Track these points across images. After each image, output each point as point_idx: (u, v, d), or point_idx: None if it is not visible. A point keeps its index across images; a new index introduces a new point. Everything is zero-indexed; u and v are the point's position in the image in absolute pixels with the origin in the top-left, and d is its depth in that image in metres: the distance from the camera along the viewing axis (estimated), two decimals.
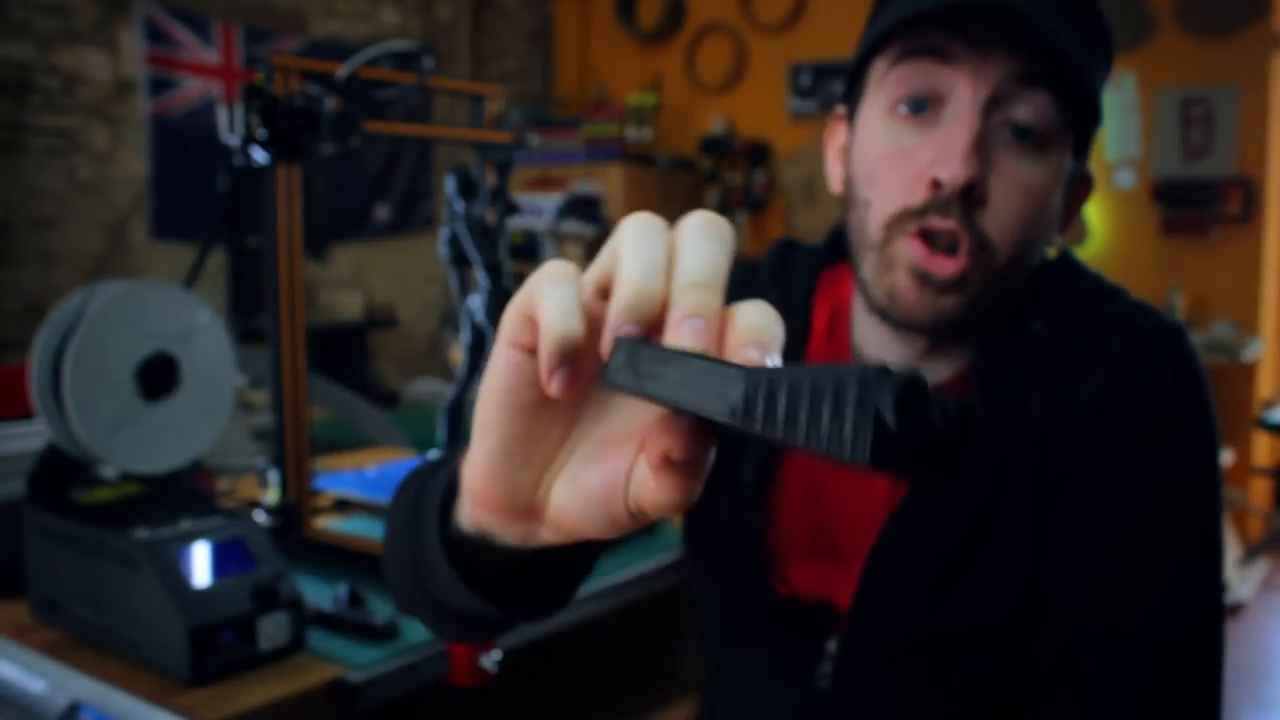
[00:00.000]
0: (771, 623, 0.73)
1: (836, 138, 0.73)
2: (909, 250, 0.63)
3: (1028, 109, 0.62)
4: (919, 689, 0.67)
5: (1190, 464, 0.63)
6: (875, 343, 0.72)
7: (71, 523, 0.97)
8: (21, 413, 1.17)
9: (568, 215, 4.08)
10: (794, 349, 0.75)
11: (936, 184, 0.62)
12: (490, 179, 1.42)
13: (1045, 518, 0.64)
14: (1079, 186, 0.70)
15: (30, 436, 1.26)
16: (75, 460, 1.03)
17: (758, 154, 4.56)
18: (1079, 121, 0.64)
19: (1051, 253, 0.73)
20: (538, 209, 4.38)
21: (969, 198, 0.62)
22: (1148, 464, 0.63)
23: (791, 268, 0.78)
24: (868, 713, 0.69)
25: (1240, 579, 3.51)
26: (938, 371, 0.70)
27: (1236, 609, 3.35)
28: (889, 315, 0.66)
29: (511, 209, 1.31)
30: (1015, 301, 0.69)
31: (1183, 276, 3.82)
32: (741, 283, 0.78)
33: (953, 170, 0.61)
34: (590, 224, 4.20)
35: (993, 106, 0.62)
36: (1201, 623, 0.61)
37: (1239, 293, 3.80)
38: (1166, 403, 0.63)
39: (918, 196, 0.63)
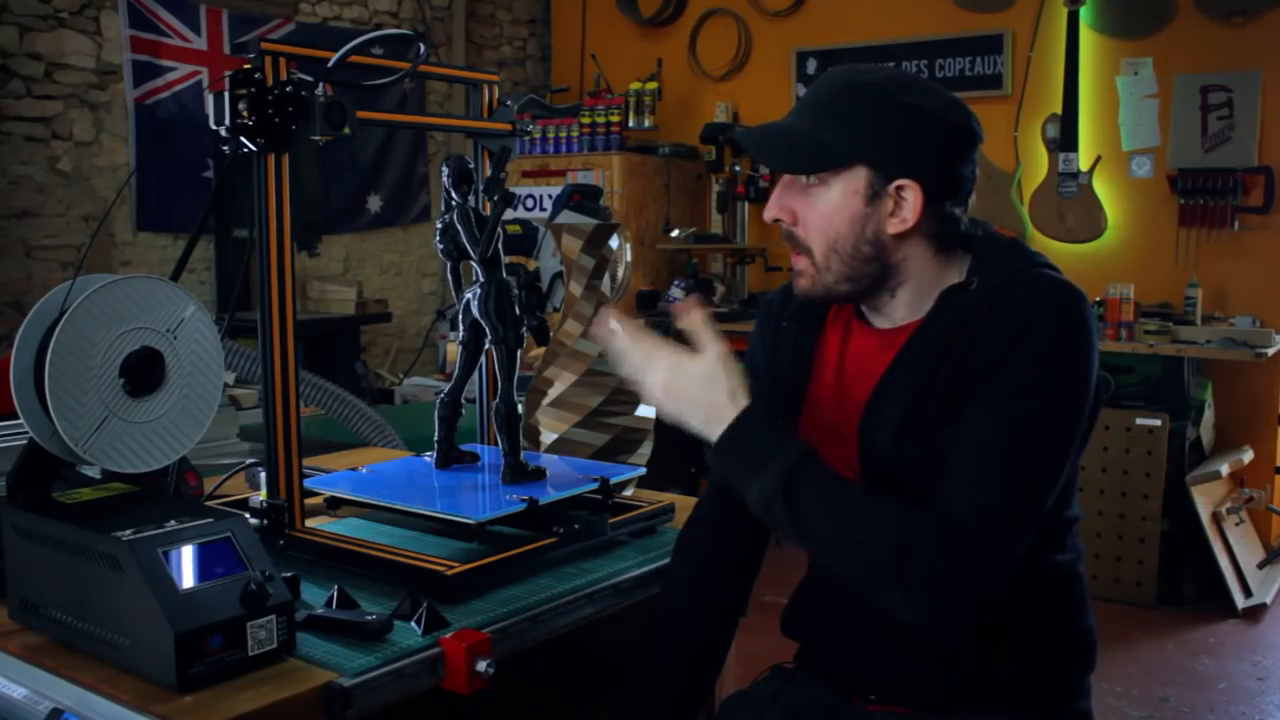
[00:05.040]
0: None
1: None
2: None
3: None
4: (907, 488, 1.04)
5: (1049, 368, 0.99)
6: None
7: (53, 523, 0.96)
8: (2, 410, 1.15)
9: (567, 206, 4.05)
10: (822, 308, 1.16)
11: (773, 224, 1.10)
12: (486, 169, 1.39)
13: (956, 406, 1.01)
14: (904, 190, 1.02)
15: (10, 434, 1.24)
16: (57, 459, 1.02)
17: None
18: (864, 160, 1.02)
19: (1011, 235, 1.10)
20: (536, 199, 4.35)
21: (783, 225, 1.07)
22: (1019, 371, 0.98)
23: None
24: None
25: (1261, 582, 3.41)
26: (882, 320, 1.12)
27: (1259, 612, 3.27)
28: None
29: (507, 199, 1.28)
30: (876, 274, 1.07)
31: (1201, 269, 3.67)
32: (783, 295, 1.19)
33: (768, 216, 1.09)
34: (590, 215, 4.17)
35: (783, 176, 1.08)
36: (1037, 444, 1.00)
37: (1261, 286, 3.62)
38: (1025, 324, 0.99)
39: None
